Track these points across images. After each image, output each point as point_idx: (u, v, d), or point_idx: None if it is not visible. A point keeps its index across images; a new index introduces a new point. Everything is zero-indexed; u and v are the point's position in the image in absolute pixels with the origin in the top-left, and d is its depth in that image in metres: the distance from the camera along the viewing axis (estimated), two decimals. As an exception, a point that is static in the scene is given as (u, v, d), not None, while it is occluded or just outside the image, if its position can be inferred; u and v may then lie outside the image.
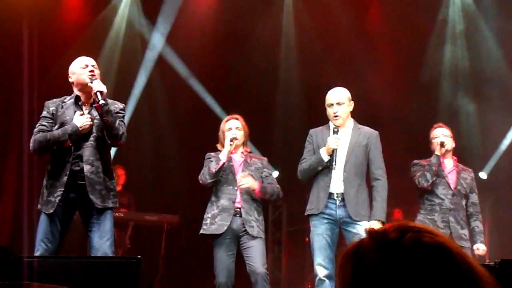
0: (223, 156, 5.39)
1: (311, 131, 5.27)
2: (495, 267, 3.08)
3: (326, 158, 5.00)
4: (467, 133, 8.98)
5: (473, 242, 5.85)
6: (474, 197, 5.97)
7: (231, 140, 5.42)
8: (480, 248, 5.83)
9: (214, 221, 5.36)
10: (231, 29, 9.40)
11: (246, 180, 5.37)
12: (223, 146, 5.52)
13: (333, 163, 4.97)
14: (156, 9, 9.40)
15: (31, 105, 6.59)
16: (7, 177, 8.99)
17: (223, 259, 5.32)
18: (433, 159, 5.84)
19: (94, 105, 4.61)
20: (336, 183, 5.03)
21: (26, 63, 7.75)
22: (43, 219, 4.59)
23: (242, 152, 5.59)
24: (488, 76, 9.01)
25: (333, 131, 5.05)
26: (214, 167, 5.37)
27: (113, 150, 8.32)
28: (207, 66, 9.49)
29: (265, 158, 5.81)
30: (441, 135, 5.92)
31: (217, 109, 9.43)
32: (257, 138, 9.09)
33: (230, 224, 5.32)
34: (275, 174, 9.62)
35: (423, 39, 9.37)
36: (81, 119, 4.59)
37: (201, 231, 5.42)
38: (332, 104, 5.11)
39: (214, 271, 5.37)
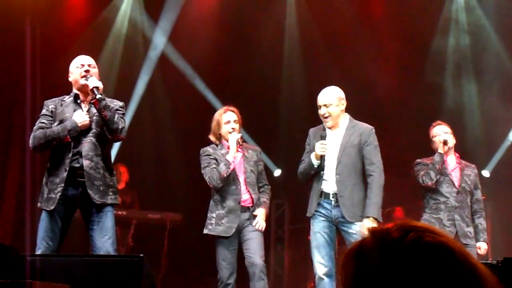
0: (230, 158, 5.34)
1: (310, 131, 5.24)
2: (497, 265, 3.07)
3: (315, 162, 5.00)
4: (470, 130, 8.97)
5: (476, 239, 5.84)
6: (478, 194, 5.95)
7: (239, 141, 5.40)
8: (482, 247, 5.81)
9: (220, 222, 5.33)
10: (234, 27, 9.40)
11: (260, 222, 5.40)
12: (215, 137, 5.51)
13: (322, 169, 4.97)
14: (159, 8, 9.40)
15: (34, 104, 6.59)
16: (9, 175, 9.00)
17: (226, 255, 5.32)
18: (436, 158, 5.82)
19: (91, 101, 4.65)
20: (330, 184, 5.02)
21: (29, 62, 7.76)
22: (44, 216, 4.61)
23: (239, 146, 5.52)
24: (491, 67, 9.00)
25: (321, 136, 5.02)
26: (225, 171, 5.31)
27: (115, 148, 8.42)
28: (209, 65, 9.48)
29: (258, 148, 5.77)
30: (442, 133, 5.90)
31: (220, 107, 9.42)
32: (260, 136, 9.10)
33: (237, 223, 5.35)
34: (278, 172, 9.63)
35: (428, 31, 9.33)
36: (81, 116, 4.65)
37: (206, 231, 5.38)
38: (320, 106, 5.09)
39: (217, 267, 5.36)
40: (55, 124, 4.70)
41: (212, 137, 5.56)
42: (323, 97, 5.10)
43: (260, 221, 5.37)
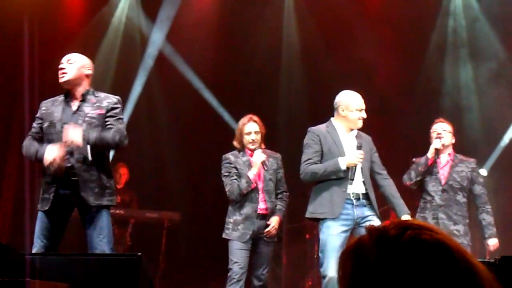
0: (252, 175, 5.52)
1: (314, 129, 5.17)
2: (495, 264, 3.08)
3: (344, 168, 4.97)
4: (468, 128, 8.95)
5: (483, 237, 5.81)
6: (477, 189, 5.86)
7: (262, 163, 5.55)
8: (490, 243, 5.78)
9: (236, 227, 5.52)
10: (232, 25, 9.39)
11: (271, 231, 5.56)
12: (239, 143, 5.66)
13: (350, 178, 4.98)
14: (156, 6, 9.39)
15: (32, 103, 6.59)
16: (8, 173, 9.00)
17: (240, 254, 5.47)
18: (422, 160, 5.84)
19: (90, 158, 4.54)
20: (357, 186, 5.03)
21: (27, 61, 7.75)
22: (39, 216, 4.62)
23: None
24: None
25: (357, 146, 5.03)
26: (245, 188, 5.50)
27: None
28: (207, 64, 9.48)
29: (279, 155, 5.86)
30: (442, 131, 5.88)
31: (218, 107, 9.43)
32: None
33: (252, 229, 5.51)
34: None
35: (426, 28, 9.33)
36: (51, 153, 4.49)
37: (224, 235, 5.58)
38: (362, 109, 5.12)
39: (229, 264, 5.50)
40: (45, 125, 4.66)
41: (235, 143, 5.73)
42: (363, 102, 5.16)
43: (271, 230, 5.55)
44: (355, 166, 4.98)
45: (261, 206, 5.57)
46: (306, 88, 9.52)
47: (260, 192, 5.57)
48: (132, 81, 9.33)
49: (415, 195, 6.46)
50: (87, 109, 4.64)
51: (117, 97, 4.81)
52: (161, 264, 8.20)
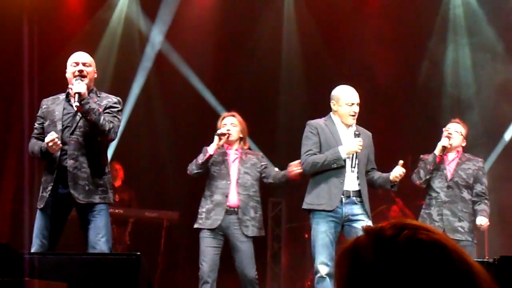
0: (210, 149, 5.54)
1: (312, 122, 5.24)
2: (494, 263, 3.07)
3: (344, 157, 5.02)
4: (469, 126, 8.94)
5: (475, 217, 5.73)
6: (479, 188, 5.81)
7: (219, 136, 5.53)
8: (479, 222, 5.64)
9: (209, 215, 5.51)
10: (232, 25, 9.38)
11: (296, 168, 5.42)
12: None
13: (352, 166, 5.03)
14: (155, 6, 9.38)
15: (31, 102, 6.60)
16: (6, 173, 8.99)
17: (208, 252, 5.47)
18: (429, 157, 5.82)
19: (74, 105, 4.55)
20: (349, 181, 5.06)
21: (26, 59, 7.76)
22: (38, 215, 4.66)
23: (236, 149, 5.70)
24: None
25: (355, 134, 5.08)
26: (201, 158, 5.56)
27: (112, 147, 8.41)
28: (207, 63, 9.47)
29: (260, 153, 5.99)
30: (453, 131, 5.86)
31: (217, 106, 9.42)
32: (258, 134, 9.09)
33: (222, 219, 5.46)
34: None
35: (427, 24, 9.32)
36: (49, 137, 4.54)
37: (196, 225, 5.60)
38: (353, 104, 5.16)
39: (199, 263, 5.50)
40: (46, 123, 4.71)
41: None
42: (357, 96, 5.20)
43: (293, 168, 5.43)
44: (356, 154, 5.03)
45: (232, 196, 5.53)
46: (306, 88, 9.51)
47: (233, 182, 5.56)
48: (131, 81, 9.32)
49: (419, 195, 6.46)
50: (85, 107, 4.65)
51: (118, 98, 4.88)
52: (160, 263, 8.20)
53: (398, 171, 5.11)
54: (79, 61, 4.72)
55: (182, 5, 9.37)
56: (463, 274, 1.13)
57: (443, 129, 5.92)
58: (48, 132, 4.65)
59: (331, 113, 5.25)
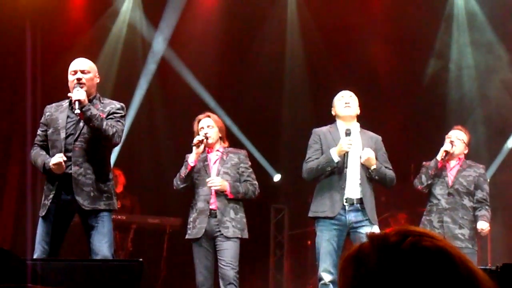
0: (191, 160, 5.41)
1: (316, 130, 5.27)
2: (497, 271, 3.07)
3: (336, 159, 4.99)
4: (472, 131, 8.93)
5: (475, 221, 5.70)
6: (480, 194, 5.78)
7: (196, 145, 5.40)
8: (479, 227, 5.62)
9: (195, 225, 5.40)
10: (235, 30, 9.39)
11: (216, 182, 5.33)
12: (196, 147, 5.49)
13: (345, 166, 4.99)
14: (159, 12, 9.39)
15: (34, 108, 6.61)
16: (9, 180, 9.00)
17: (200, 260, 5.43)
18: (431, 163, 5.82)
19: (76, 113, 4.55)
20: (351, 186, 5.03)
21: (29, 65, 7.77)
22: (40, 222, 4.65)
23: (217, 150, 5.55)
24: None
25: (346, 133, 5.05)
26: (183, 172, 5.43)
27: (114, 153, 8.41)
28: (210, 70, 9.47)
29: (243, 151, 5.70)
30: (455, 138, 5.86)
31: (220, 112, 9.41)
32: (260, 141, 9.10)
33: (206, 225, 5.35)
34: (277, 177, 9.60)
35: (431, 27, 9.32)
36: (56, 160, 4.54)
37: (186, 236, 5.50)
38: (343, 96, 5.21)
39: (195, 273, 5.49)
40: (50, 131, 4.71)
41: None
42: (346, 91, 5.27)
43: (214, 182, 5.32)
44: (347, 156, 4.99)
45: (213, 200, 5.38)
46: (310, 92, 9.51)
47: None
48: (134, 87, 9.32)
49: (420, 202, 6.44)
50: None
51: (122, 104, 4.87)
52: (163, 269, 8.20)
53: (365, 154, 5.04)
54: (77, 68, 4.71)
55: (185, 12, 9.38)
56: (467, 281, 1.12)
57: (446, 136, 5.92)
58: (52, 140, 4.66)
59: (336, 119, 5.29)
